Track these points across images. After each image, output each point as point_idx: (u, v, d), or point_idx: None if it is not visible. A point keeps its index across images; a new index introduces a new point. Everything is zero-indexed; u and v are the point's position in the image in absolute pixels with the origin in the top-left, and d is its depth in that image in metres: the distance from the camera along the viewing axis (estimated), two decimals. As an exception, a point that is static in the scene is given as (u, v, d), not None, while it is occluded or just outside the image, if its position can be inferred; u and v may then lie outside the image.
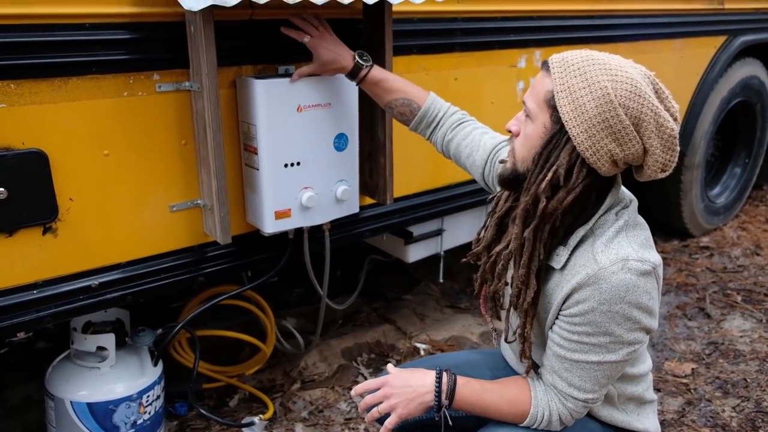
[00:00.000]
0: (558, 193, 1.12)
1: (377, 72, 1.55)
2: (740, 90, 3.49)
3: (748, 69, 3.49)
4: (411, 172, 2.06)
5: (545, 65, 1.15)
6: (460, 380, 1.22)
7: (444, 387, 1.20)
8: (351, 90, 1.68)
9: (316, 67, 1.56)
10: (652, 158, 1.10)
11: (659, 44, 2.82)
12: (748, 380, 2.38)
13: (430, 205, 2.17)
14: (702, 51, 3.14)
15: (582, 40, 2.44)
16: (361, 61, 1.54)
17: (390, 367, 1.30)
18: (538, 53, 2.31)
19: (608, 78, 1.06)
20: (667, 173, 1.13)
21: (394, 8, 1.66)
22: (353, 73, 1.55)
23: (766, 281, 3.17)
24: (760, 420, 2.16)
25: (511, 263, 1.23)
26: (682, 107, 3.14)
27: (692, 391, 2.32)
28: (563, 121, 1.09)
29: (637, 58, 2.88)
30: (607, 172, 1.11)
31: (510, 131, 1.22)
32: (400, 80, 1.57)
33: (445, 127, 1.55)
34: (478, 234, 1.34)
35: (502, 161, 1.27)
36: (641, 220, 1.22)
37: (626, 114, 1.05)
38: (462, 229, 2.46)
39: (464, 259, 1.37)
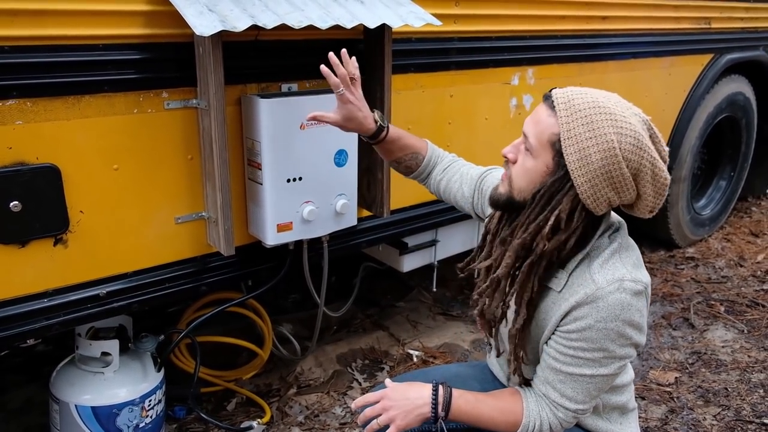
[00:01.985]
0: (557, 235, 1.17)
1: (393, 131, 1.54)
2: (726, 106, 3.59)
3: (734, 85, 3.60)
4: (407, 185, 2.11)
5: (549, 100, 1.17)
6: (456, 392, 1.28)
7: (440, 399, 1.26)
8: (351, 108, 1.75)
9: (339, 120, 1.49)
10: (643, 203, 1.17)
11: (648, 62, 2.91)
12: (729, 389, 2.46)
13: (424, 217, 2.24)
14: (689, 68, 3.23)
15: (573, 58, 2.52)
16: (382, 124, 1.52)
17: (387, 381, 1.35)
18: (530, 71, 2.39)
19: (614, 130, 1.10)
20: (653, 215, 1.21)
21: (394, 29, 1.73)
22: (374, 135, 1.52)
23: (749, 292, 3.26)
24: (739, 428, 2.25)
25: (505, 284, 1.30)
26: (669, 122, 3.25)
27: (675, 399, 2.40)
28: (569, 170, 1.13)
29: (627, 75, 2.98)
30: (601, 213, 1.19)
31: (506, 157, 1.25)
32: (408, 135, 1.58)
33: (437, 169, 1.59)
34: (476, 251, 1.39)
35: (496, 188, 1.29)
36: (632, 241, 1.28)
37: (628, 167, 1.11)
38: (455, 240, 2.54)
39: (461, 274, 1.43)
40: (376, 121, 1.51)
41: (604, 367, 1.21)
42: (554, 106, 1.15)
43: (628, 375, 1.41)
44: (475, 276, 1.40)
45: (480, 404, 1.29)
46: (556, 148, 1.14)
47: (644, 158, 1.11)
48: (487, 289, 1.28)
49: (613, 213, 1.29)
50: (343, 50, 1.46)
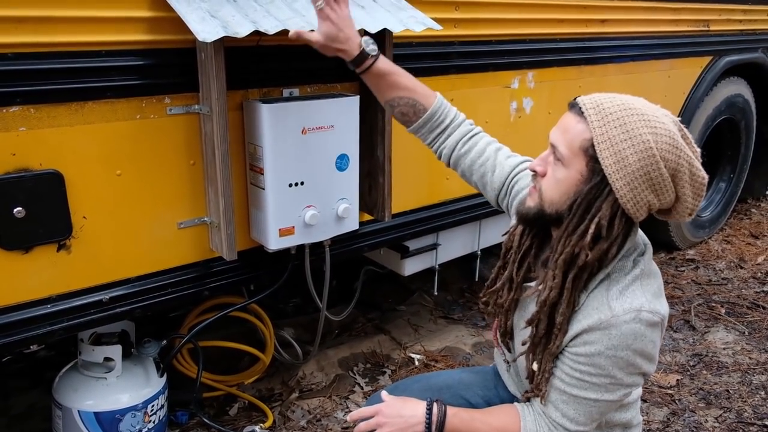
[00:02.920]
0: (599, 244, 1.13)
1: (383, 64, 1.41)
2: (725, 108, 3.60)
3: (733, 88, 3.61)
4: (408, 190, 2.13)
5: (576, 109, 1.14)
6: (450, 410, 1.27)
7: (434, 418, 1.25)
8: (353, 112, 1.76)
9: (320, 39, 1.37)
10: (682, 205, 1.13)
11: (647, 65, 2.92)
12: (731, 391, 2.47)
13: (425, 221, 2.25)
14: (688, 71, 3.25)
15: (572, 61, 2.53)
16: (367, 50, 1.38)
17: (384, 394, 1.34)
18: (530, 74, 2.40)
19: (649, 131, 1.07)
20: (693, 216, 1.16)
21: (395, 34, 1.74)
22: (356, 61, 1.39)
23: (749, 294, 3.26)
24: (741, 430, 2.25)
25: (526, 300, 1.29)
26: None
27: (677, 401, 2.41)
28: (606, 174, 1.09)
29: (626, 78, 2.99)
30: (640, 219, 1.15)
31: (535, 171, 1.21)
32: (406, 75, 1.44)
33: (454, 137, 1.46)
34: (496, 271, 1.36)
35: (523, 202, 1.25)
36: (655, 268, 1.23)
37: (666, 167, 1.07)
38: (456, 244, 2.54)
39: (483, 299, 1.39)
40: (360, 46, 1.37)
41: (609, 393, 1.19)
42: (582, 113, 1.12)
43: (636, 392, 1.38)
44: (487, 288, 1.37)
45: (475, 422, 1.27)
46: (590, 153, 1.11)
47: (681, 157, 1.08)
48: (538, 315, 1.21)
49: (641, 234, 1.25)
50: None
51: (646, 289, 1.17)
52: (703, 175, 1.11)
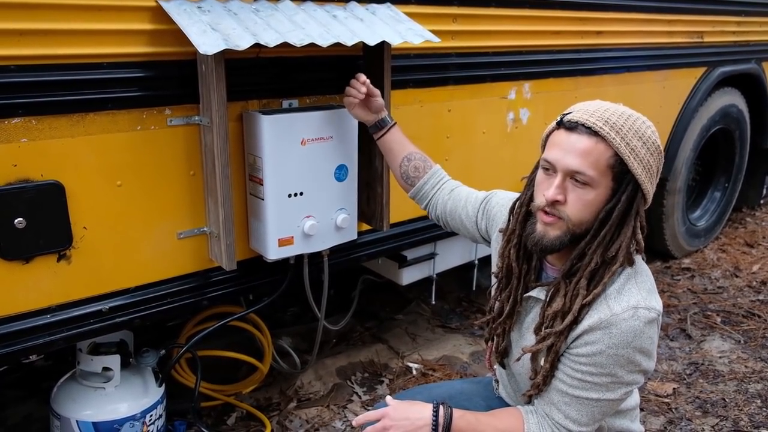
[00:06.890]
0: (638, 242, 1.22)
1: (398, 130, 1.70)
2: (720, 118, 3.63)
3: (727, 98, 3.64)
4: (406, 199, 2.13)
5: (583, 128, 1.16)
6: (456, 413, 1.28)
7: (441, 420, 1.26)
8: (351, 123, 1.77)
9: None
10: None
11: (643, 76, 2.95)
12: (727, 400, 2.48)
13: (423, 231, 2.26)
14: (683, 82, 3.28)
15: (569, 73, 2.56)
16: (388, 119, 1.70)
17: (389, 398, 1.35)
18: (527, 86, 2.42)
19: (651, 130, 1.19)
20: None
21: (393, 46, 1.75)
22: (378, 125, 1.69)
23: (745, 303, 3.28)
24: (737, 439, 2.26)
25: (521, 315, 1.33)
26: (664, 135, 3.29)
27: (673, 410, 2.41)
28: (639, 182, 1.17)
29: (622, 89, 3.01)
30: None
31: (557, 200, 1.19)
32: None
33: (444, 190, 1.64)
34: (494, 297, 1.40)
35: (541, 237, 1.23)
36: (645, 265, 1.27)
37: (664, 156, 1.22)
38: (454, 253, 2.56)
39: (486, 338, 1.44)
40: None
41: (611, 391, 1.21)
42: (597, 132, 1.15)
43: (634, 399, 1.41)
44: (494, 317, 1.39)
45: (480, 425, 1.29)
46: (616, 169, 1.16)
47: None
48: (562, 328, 1.21)
49: None
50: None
51: (641, 286, 1.21)
52: None
